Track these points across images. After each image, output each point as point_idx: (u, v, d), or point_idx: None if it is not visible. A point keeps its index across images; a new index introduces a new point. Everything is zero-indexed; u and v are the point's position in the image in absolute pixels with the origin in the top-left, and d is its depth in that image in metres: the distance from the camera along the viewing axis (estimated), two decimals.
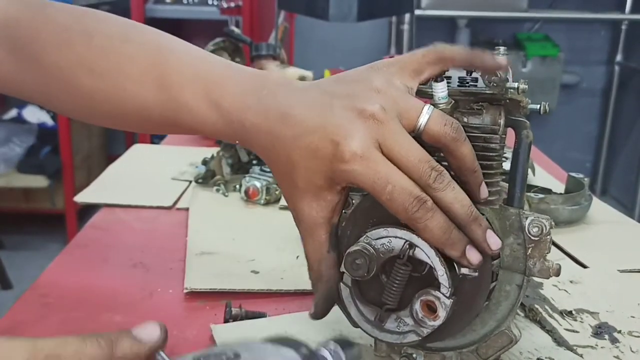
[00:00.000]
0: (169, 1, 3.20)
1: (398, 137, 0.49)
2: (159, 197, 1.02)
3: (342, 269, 0.51)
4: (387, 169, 0.48)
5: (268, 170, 1.02)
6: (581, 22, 3.75)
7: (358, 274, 0.51)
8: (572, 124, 3.90)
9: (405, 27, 3.27)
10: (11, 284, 2.67)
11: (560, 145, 3.75)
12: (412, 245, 0.50)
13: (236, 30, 1.44)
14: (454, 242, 0.49)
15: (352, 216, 0.54)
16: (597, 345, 0.65)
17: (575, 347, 0.64)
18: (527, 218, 0.52)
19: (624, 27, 3.70)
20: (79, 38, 0.59)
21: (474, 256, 0.49)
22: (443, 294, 0.50)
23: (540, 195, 0.92)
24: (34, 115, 3.25)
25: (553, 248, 0.52)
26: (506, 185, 0.55)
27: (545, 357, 0.62)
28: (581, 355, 0.63)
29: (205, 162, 1.08)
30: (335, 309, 0.55)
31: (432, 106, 0.51)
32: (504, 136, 0.54)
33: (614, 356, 0.63)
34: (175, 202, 1.01)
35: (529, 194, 0.92)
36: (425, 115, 0.50)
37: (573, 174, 0.99)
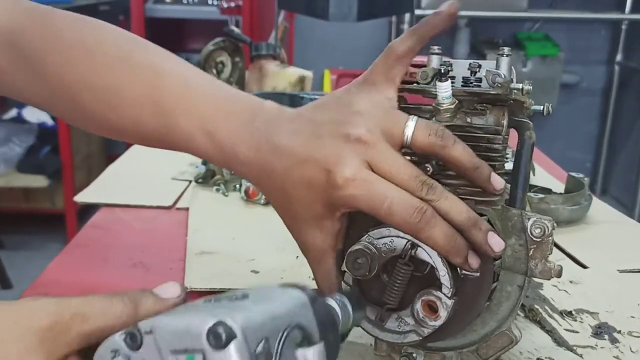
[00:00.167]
0: (168, 1, 3.20)
1: (387, 157, 0.50)
2: (159, 196, 1.02)
3: (344, 268, 0.51)
4: (382, 185, 0.49)
5: None
6: (581, 21, 3.75)
7: (359, 273, 0.51)
8: (572, 124, 3.90)
9: (406, 26, 3.28)
10: (11, 284, 2.66)
11: (561, 145, 3.75)
12: (414, 245, 0.50)
13: (236, 30, 1.44)
14: (459, 249, 0.49)
15: (354, 215, 0.54)
16: (597, 345, 0.65)
17: (575, 347, 0.64)
18: (529, 219, 0.52)
19: (624, 26, 3.70)
20: (82, 57, 0.60)
21: (474, 260, 0.50)
22: (444, 294, 0.50)
23: (541, 195, 0.92)
24: (34, 115, 3.24)
25: (553, 248, 0.52)
26: (508, 185, 0.55)
27: (545, 357, 0.62)
28: (581, 356, 0.63)
29: (205, 162, 1.08)
30: None
31: (415, 117, 0.51)
32: (506, 137, 0.54)
33: (614, 356, 0.63)
34: (175, 202, 1.01)
35: (529, 193, 0.92)
36: (409, 129, 0.50)
37: (573, 174, 0.99)
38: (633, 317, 0.71)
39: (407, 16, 3.16)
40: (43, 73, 0.61)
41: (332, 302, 0.43)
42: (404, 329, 0.52)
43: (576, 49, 3.79)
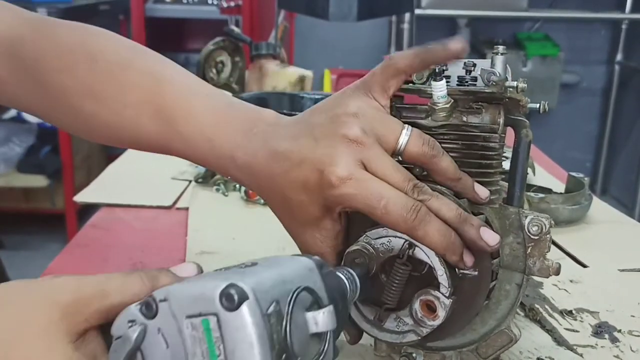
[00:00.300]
0: (168, 0, 3.20)
1: (381, 159, 0.50)
2: (159, 196, 1.02)
3: None
4: (377, 184, 0.49)
5: None
6: (581, 21, 3.75)
7: None
8: (572, 124, 3.90)
9: (406, 26, 3.27)
10: None
11: (561, 144, 3.75)
12: (411, 245, 0.50)
13: (236, 29, 1.44)
14: (455, 246, 0.50)
15: (351, 216, 0.54)
16: (597, 344, 0.65)
17: (575, 347, 0.64)
18: (526, 217, 0.52)
19: (624, 26, 3.69)
20: (83, 63, 0.61)
21: (469, 258, 0.51)
22: (442, 293, 0.50)
23: (541, 195, 0.92)
24: None
25: (553, 247, 0.52)
26: (506, 184, 0.55)
27: (545, 357, 0.62)
28: (581, 355, 0.63)
29: None
30: None
31: (409, 127, 0.52)
32: (503, 135, 0.54)
33: (614, 355, 0.63)
34: (175, 202, 1.01)
35: (529, 193, 0.92)
36: (404, 137, 0.51)
37: (573, 174, 0.99)
38: (633, 316, 0.71)
39: (407, 16, 3.15)
40: (43, 81, 0.62)
41: (340, 273, 0.45)
42: (403, 329, 0.52)
43: (576, 49, 3.79)
